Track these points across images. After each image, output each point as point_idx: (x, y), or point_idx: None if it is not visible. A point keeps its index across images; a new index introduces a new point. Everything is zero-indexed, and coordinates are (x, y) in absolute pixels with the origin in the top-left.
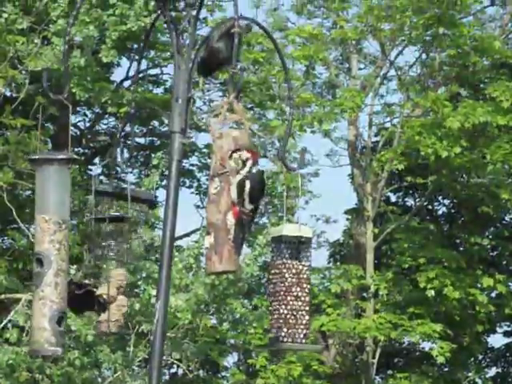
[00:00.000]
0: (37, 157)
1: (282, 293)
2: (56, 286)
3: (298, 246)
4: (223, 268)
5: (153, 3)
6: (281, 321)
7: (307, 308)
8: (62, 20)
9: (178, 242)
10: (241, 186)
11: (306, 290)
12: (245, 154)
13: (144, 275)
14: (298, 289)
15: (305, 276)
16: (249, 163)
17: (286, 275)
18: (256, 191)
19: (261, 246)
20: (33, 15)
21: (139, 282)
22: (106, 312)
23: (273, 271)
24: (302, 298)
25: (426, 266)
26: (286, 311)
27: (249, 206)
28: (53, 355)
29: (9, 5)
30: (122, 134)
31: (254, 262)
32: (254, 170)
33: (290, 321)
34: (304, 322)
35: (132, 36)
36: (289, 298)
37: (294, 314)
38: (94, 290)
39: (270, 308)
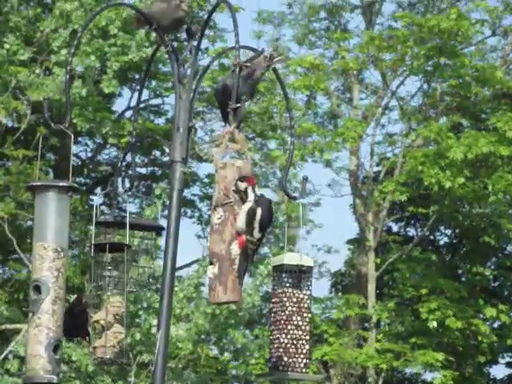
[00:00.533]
0: (36, 184)
1: (282, 322)
2: (53, 314)
3: (298, 275)
4: (227, 298)
5: (154, 34)
6: (281, 350)
7: (308, 337)
8: (64, 50)
9: (179, 273)
10: (251, 214)
11: (307, 319)
12: (243, 184)
13: (145, 305)
14: (299, 318)
15: (305, 305)
16: (249, 190)
17: (287, 304)
18: (265, 220)
19: (262, 275)
20: (34, 46)
21: (140, 312)
22: (101, 338)
23: (273, 300)
24: (303, 327)
25: (427, 297)
26: (286, 340)
27: (257, 235)
28: (48, 383)
29: (10, 35)
30: (123, 163)
31: (256, 291)
32: (260, 197)
33: (291, 350)
34: (304, 351)
35: (133, 66)
36: (289, 326)
37: (295, 343)
38: (90, 315)
39: (271, 337)
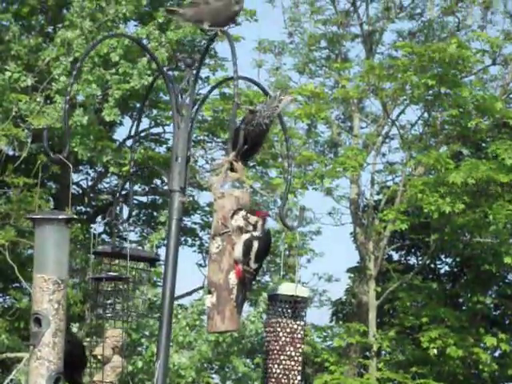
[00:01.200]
0: (36, 216)
1: (275, 351)
2: (54, 346)
3: (293, 306)
4: (225, 327)
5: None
6: (273, 380)
7: (299, 368)
8: (65, 78)
9: (182, 301)
10: (247, 245)
11: (300, 350)
12: (253, 218)
13: (147, 333)
14: (292, 348)
15: (299, 336)
16: (259, 224)
17: (280, 334)
18: (262, 251)
19: (265, 302)
20: (35, 74)
21: (142, 340)
22: (100, 372)
23: (267, 329)
24: (295, 358)
25: (428, 326)
26: (278, 370)
27: (253, 266)
28: None
29: (12, 63)
30: (122, 192)
31: (259, 319)
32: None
33: (283, 380)
34: (296, 381)
35: (135, 94)
36: (282, 357)
37: (287, 373)
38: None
39: (264, 366)
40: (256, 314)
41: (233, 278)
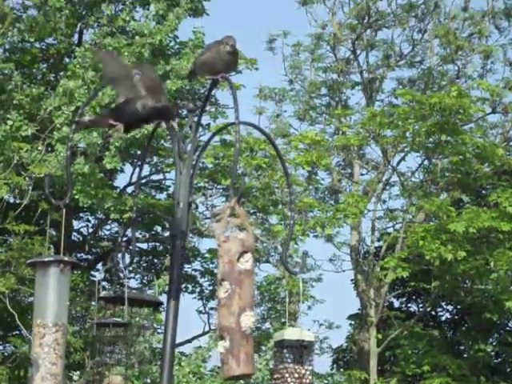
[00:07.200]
0: (35, 260)
1: None
2: None
3: (300, 350)
4: (241, 371)
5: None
6: None
7: None
8: (66, 127)
9: (182, 349)
10: None
11: None
12: None
13: (148, 381)
14: None
15: (307, 381)
16: None
17: (289, 380)
18: None
19: (271, 350)
20: (37, 122)
21: None
22: None
23: (275, 376)
24: None
25: (429, 374)
26: None
27: None
28: None
29: (13, 112)
30: (124, 238)
31: (265, 366)
32: None
33: None
34: None
35: (135, 142)
36: None
37: None
38: None
39: None
40: (262, 362)
41: (245, 321)
